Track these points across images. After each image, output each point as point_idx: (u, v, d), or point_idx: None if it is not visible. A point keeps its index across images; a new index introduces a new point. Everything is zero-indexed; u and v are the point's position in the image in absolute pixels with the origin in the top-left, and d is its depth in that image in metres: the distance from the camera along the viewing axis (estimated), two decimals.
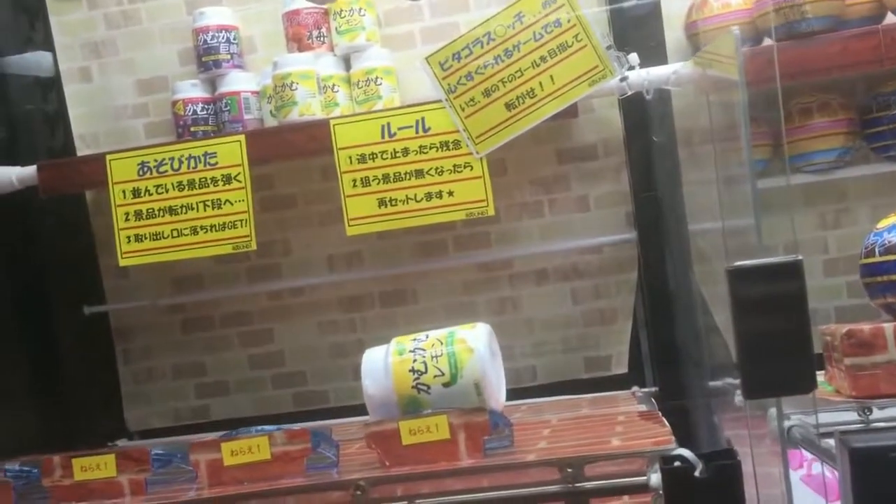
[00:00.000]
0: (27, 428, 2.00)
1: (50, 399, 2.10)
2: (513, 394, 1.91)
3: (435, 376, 1.18)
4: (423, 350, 1.21)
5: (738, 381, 1.57)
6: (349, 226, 1.92)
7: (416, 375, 1.18)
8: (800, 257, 0.77)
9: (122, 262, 1.97)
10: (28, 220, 2.09)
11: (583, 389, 2.04)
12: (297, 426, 1.26)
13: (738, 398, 1.48)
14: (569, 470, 0.97)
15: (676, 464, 0.85)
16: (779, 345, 0.76)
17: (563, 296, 2.13)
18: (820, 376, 1.53)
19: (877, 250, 1.33)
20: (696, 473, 0.84)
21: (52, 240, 2.14)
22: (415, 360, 1.20)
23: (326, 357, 2.21)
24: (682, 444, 1.10)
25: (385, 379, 1.18)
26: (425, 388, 1.18)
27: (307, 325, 2.20)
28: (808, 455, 1.77)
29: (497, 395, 1.23)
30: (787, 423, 1.30)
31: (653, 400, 1.79)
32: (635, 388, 1.97)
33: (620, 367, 2.10)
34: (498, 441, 1.10)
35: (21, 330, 2.07)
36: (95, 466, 1.12)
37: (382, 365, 1.20)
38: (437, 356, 1.19)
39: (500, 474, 1.04)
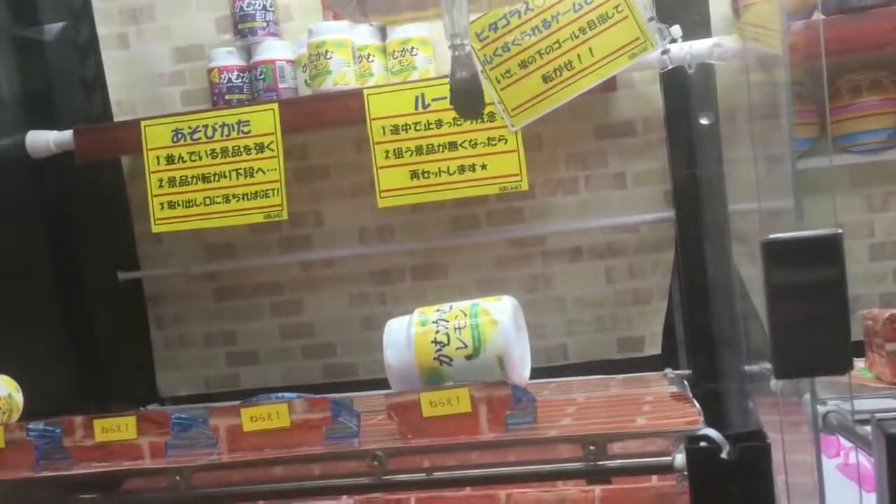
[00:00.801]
0: (59, 391, 2.03)
1: (83, 363, 2.12)
2: (543, 372, 1.88)
3: (457, 348, 1.16)
4: (447, 321, 1.19)
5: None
6: (381, 197, 1.90)
7: (438, 347, 1.16)
8: (839, 230, 0.74)
9: (156, 229, 1.98)
10: (65, 185, 2.11)
11: (614, 370, 2.00)
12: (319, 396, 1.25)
13: (774, 383, 1.44)
14: (591, 448, 0.95)
15: (702, 444, 0.82)
16: (814, 323, 0.72)
17: (597, 274, 2.09)
18: (860, 363, 1.48)
19: None
20: (723, 455, 0.81)
21: (88, 205, 2.15)
22: (437, 332, 1.18)
23: (356, 329, 2.20)
24: (713, 428, 1.07)
25: (407, 350, 1.17)
26: (447, 360, 1.16)
27: (337, 296, 2.19)
28: (845, 443, 1.72)
29: (521, 371, 1.21)
30: (823, 409, 1.26)
31: (685, 383, 1.75)
32: (668, 370, 1.93)
33: (654, 349, 2.06)
34: (520, 416, 1.08)
35: (55, 294, 2.09)
36: (116, 428, 1.12)
37: (405, 336, 1.18)
38: (460, 328, 1.17)
39: (520, 449, 1.02)
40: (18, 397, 1.61)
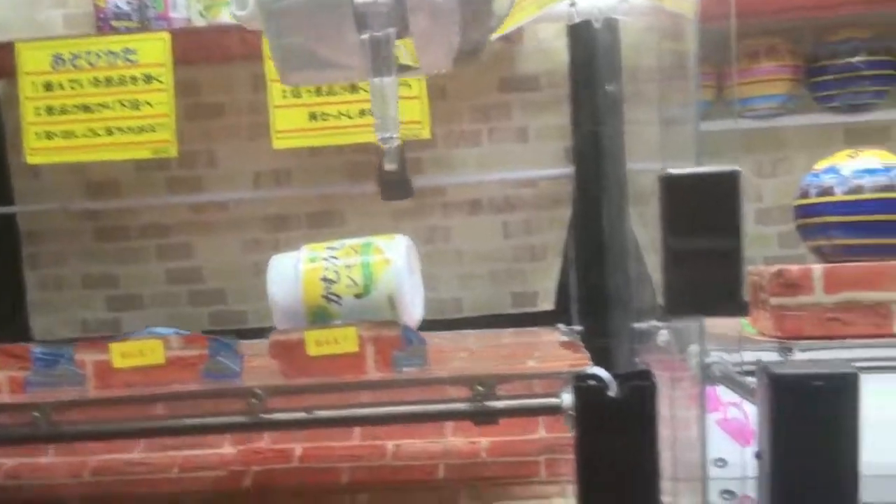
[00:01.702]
0: None
1: None
2: (437, 325, 1.85)
3: (347, 286, 1.11)
4: (337, 259, 1.14)
5: (662, 324, 1.55)
6: (276, 138, 1.82)
7: (326, 284, 1.11)
8: (739, 169, 0.73)
9: (30, 160, 1.85)
10: None
11: (508, 324, 2.00)
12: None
13: (662, 338, 1.46)
14: (479, 388, 0.92)
15: (590, 383, 0.81)
16: (708, 261, 0.71)
17: (494, 228, 2.08)
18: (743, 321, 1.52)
19: (812, 191, 1.30)
20: (610, 393, 0.80)
21: None
22: (326, 269, 1.13)
23: (248, 276, 2.12)
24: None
25: (294, 287, 1.11)
26: (336, 298, 1.11)
27: (229, 242, 2.11)
28: (724, 399, 1.77)
29: (412, 313, 1.18)
30: (707, 361, 1.28)
31: (576, 337, 1.76)
32: (560, 326, 1.94)
33: (547, 304, 2.07)
34: (410, 359, 1.05)
35: None
36: None
37: (292, 272, 1.13)
38: (350, 266, 1.12)
39: (408, 391, 0.99)
40: None
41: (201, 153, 2.08)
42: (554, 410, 0.86)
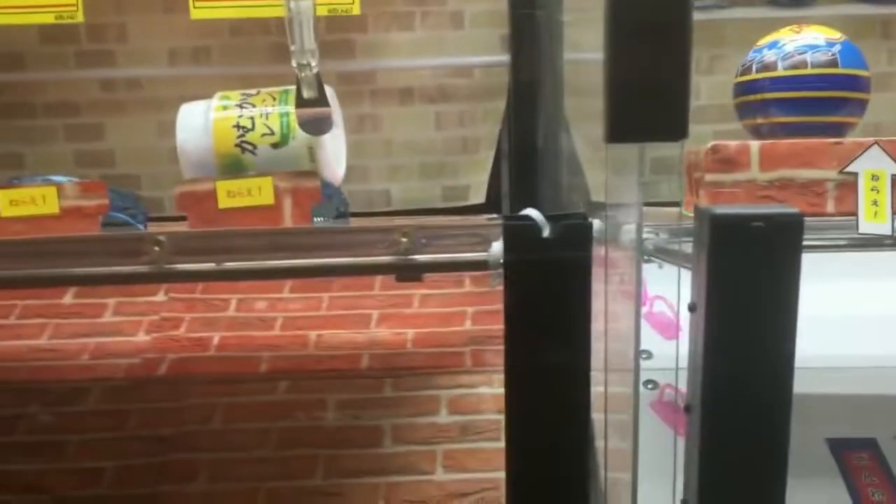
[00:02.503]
0: None
1: None
2: (364, 219, 1.79)
3: (263, 135, 1.03)
4: (253, 106, 1.06)
5: (594, 219, 1.51)
6: (194, 7, 1.69)
7: (240, 132, 1.03)
8: None
9: None
10: None
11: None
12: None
13: (595, 229, 1.42)
14: (403, 239, 0.86)
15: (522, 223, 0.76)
16: (652, 84, 0.66)
17: (426, 119, 2.00)
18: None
19: (754, 67, 1.26)
20: (544, 234, 0.75)
21: None
22: (241, 116, 1.04)
23: (164, 161, 2.00)
24: None
25: (204, 135, 1.03)
26: (251, 147, 1.03)
27: (143, 123, 1.98)
28: (651, 294, 1.76)
29: (335, 168, 1.10)
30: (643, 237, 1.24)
31: None
32: (492, 216, 1.89)
33: (478, 198, 2.02)
34: (330, 214, 0.98)
35: None
36: None
37: (202, 120, 1.04)
38: (267, 113, 1.04)
39: (327, 247, 0.92)
40: None
41: (112, 26, 1.93)
42: (482, 265, 0.81)
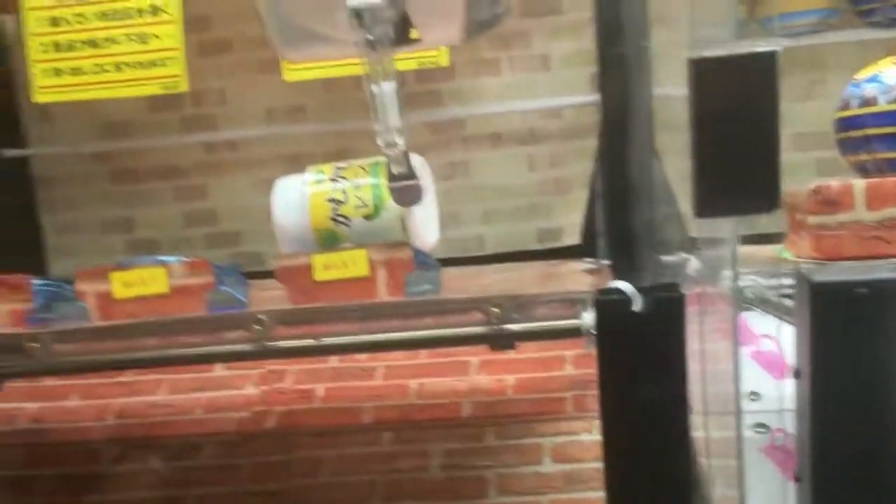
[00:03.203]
0: None
1: None
2: (458, 263, 1.80)
3: (356, 207, 1.05)
4: (345, 179, 1.08)
5: (691, 256, 1.48)
6: (287, 70, 1.76)
7: (334, 206, 1.06)
8: (778, 48, 0.65)
9: (38, 98, 1.80)
10: None
11: (533, 261, 1.94)
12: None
13: (692, 268, 1.39)
14: (495, 310, 0.87)
15: (613, 297, 0.75)
16: (741, 154, 0.64)
17: (517, 162, 2.01)
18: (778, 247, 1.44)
19: (853, 102, 1.21)
20: (635, 308, 0.74)
21: None
22: (334, 189, 1.07)
23: (264, 218, 2.06)
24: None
25: (300, 209, 1.06)
26: (345, 220, 1.05)
27: (244, 182, 2.06)
28: (757, 331, 1.70)
29: (425, 236, 1.12)
30: (741, 284, 1.20)
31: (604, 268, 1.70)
32: (587, 260, 1.87)
33: (572, 239, 2.00)
34: (423, 284, 0.99)
35: None
36: None
37: (297, 194, 1.07)
38: (359, 185, 1.07)
39: (421, 318, 0.93)
40: None
41: (212, 91, 2.02)
42: (574, 332, 0.81)
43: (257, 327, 0.89)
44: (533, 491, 1.58)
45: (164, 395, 1.89)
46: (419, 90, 1.98)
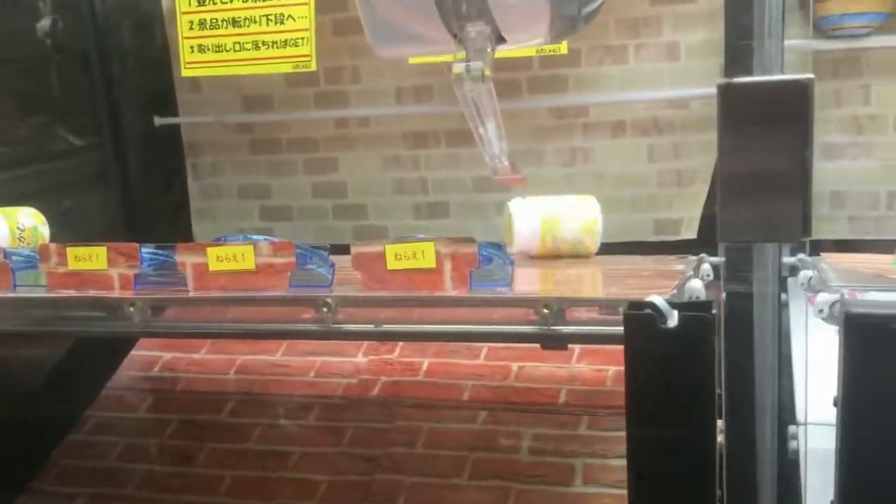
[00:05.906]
0: (94, 231, 2.07)
1: (119, 206, 2.15)
2: None
3: None
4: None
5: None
6: None
7: None
8: (811, 76, 0.63)
9: (185, 73, 1.95)
10: (102, 23, 2.09)
11: (648, 252, 1.91)
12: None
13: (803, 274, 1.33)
14: (545, 311, 0.88)
15: (645, 311, 0.75)
16: (770, 180, 0.63)
17: (638, 151, 1.97)
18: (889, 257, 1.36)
19: None
20: (664, 324, 0.73)
21: (126, 45, 2.14)
22: None
23: (388, 192, 2.15)
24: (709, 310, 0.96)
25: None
26: None
27: (371, 157, 2.15)
28: None
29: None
30: (832, 298, 1.16)
31: (711, 270, 1.65)
32: (703, 256, 1.82)
33: (690, 233, 1.96)
34: (492, 280, 1.02)
35: (92, 133, 2.11)
36: (88, 257, 1.12)
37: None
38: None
39: (480, 311, 0.96)
40: (44, 230, 1.62)
41: (346, 69, 2.10)
42: (617, 338, 0.81)
43: (324, 310, 0.95)
44: (618, 484, 1.58)
45: (282, 355, 2.02)
46: (543, 75, 1.98)
